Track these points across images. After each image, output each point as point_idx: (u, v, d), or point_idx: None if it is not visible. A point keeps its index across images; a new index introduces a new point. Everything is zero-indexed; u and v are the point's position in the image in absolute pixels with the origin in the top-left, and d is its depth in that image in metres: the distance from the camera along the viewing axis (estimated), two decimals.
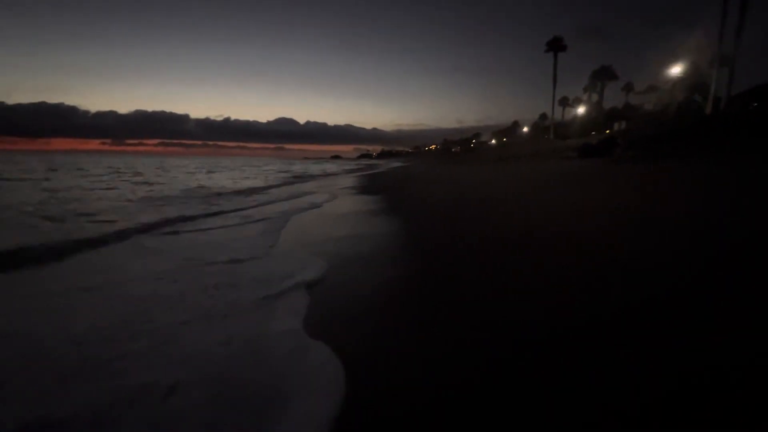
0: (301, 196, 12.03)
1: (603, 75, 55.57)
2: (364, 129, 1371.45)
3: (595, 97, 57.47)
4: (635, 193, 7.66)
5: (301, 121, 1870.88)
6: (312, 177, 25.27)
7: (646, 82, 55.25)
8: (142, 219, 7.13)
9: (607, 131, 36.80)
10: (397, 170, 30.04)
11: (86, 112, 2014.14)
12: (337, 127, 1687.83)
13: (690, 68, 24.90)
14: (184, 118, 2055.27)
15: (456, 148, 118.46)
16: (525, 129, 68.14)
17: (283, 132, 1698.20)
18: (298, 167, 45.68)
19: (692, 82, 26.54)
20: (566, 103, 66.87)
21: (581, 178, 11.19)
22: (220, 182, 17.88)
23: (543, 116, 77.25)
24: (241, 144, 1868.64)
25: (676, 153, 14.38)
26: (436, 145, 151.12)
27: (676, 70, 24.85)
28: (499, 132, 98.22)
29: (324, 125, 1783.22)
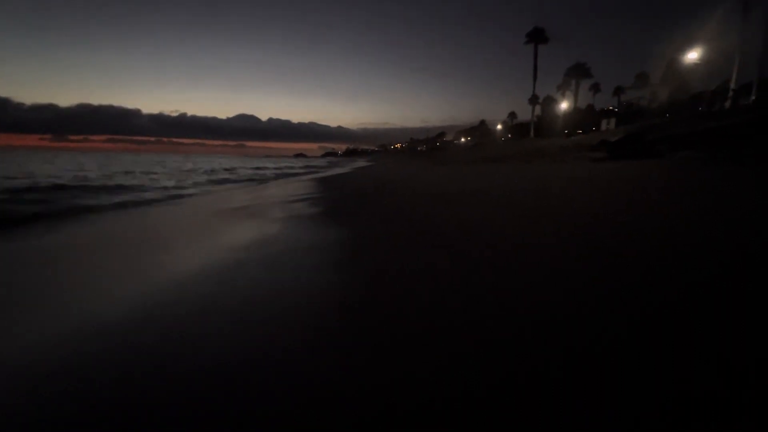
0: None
1: (578, 72, 53.55)
2: (329, 127, 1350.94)
3: (569, 95, 55.52)
4: None
5: (263, 118, 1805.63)
6: (251, 179, 18.71)
7: (611, 83, 55.65)
8: None
9: (598, 129, 33.46)
10: (368, 172, 24.06)
11: (20, 105, 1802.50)
12: (301, 125, 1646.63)
13: (709, 54, 21.53)
14: (134, 113, 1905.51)
15: (422, 147, 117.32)
16: (499, 127, 65.22)
17: (244, 129, 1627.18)
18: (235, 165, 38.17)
19: (707, 70, 23.48)
20: (536, 101, 64.81)
21: (674, 195, 6.07)
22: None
23: (512, 115, 75.51)
24: (200, 141, 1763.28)
25: None
26: (402, 144, 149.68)
27: (692, 56, 21.32)
28: (465, 131, 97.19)
29: (288, 122, 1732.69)
